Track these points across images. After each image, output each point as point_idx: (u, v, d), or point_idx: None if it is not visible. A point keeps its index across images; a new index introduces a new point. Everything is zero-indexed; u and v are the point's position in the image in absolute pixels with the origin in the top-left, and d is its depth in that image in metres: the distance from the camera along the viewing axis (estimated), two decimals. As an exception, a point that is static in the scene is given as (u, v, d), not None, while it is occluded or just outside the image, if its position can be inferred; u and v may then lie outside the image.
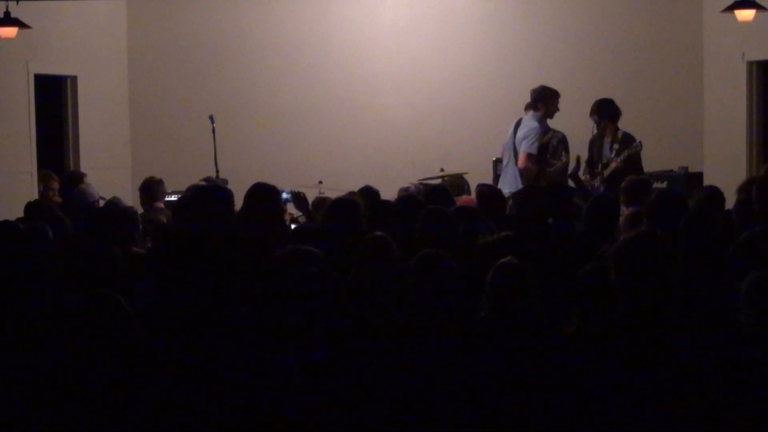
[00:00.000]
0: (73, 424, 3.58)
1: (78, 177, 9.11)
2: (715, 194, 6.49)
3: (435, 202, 6.58)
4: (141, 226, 6.89)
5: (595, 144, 9.48)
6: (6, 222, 5.90)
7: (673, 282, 3.86)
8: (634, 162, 9.11)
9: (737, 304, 3.89)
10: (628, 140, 9.21)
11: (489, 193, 7.37)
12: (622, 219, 6.50)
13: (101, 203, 8.37)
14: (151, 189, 8.44)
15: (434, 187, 7.79)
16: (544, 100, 9.46)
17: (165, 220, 7.74)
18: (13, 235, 5.44)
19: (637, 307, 3.82)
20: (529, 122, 9.47)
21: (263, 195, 5.78)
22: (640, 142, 9.13)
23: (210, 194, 5.60)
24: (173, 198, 8.72)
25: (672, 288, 3.86)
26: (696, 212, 5.59)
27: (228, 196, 5.60)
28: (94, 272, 4.67)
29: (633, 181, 7.33)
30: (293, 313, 4.29)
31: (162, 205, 8.38)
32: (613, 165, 9.11)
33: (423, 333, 4.35)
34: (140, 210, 8.05)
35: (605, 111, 9.42)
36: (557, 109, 9.52)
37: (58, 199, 9.41)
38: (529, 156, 9.30)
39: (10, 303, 4.74)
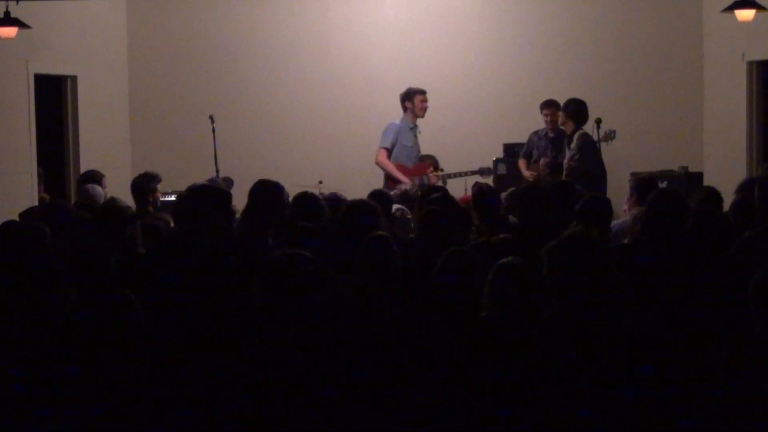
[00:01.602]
0: (78, 420, 3.59)
1: (95, 177, 8.93)
2: (714, 195, 6.49)
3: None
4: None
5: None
6: (10, 222, 5.92)
7: (603, 281, 3.93)
8: (589, 160, 9.18)
9: (740, 303, 3.88)
10: (583, 141, 9.27)
11: (484, 191, 7.37)
12: (630, 218, 6.50)
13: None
14: (142, 187, 8.22)
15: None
16: (410, 100, 10.08)
17: (160, 220, 7.66)
18: (17, 235, 5.45)
19: (566, 305, 3.96)
20: (393, 121, 10.10)
21: (267, 192, 5.78)
22: (599, 141, 9.24)
23: (203, 194, 5.57)
24: (172, 198, 8.69)
25: (603, 287, 3.95)
26: (697, 212, 5.60)
27: (222, 194, 5.58)
28: (92, 271, 4.68)
29: (642, 181, 7.31)
30: (291, 312, 4.29)
31: (151, 208, 8.14)
32: (565, 165, 9.26)
33: (424, 332, 4.35)
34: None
35: (571, 111, 9.52)
36: (425, 107, 10.09)
37: (44, 195, 9.44)
38: (382, 150, 10.01)
39: (15, 302, 4.74)
